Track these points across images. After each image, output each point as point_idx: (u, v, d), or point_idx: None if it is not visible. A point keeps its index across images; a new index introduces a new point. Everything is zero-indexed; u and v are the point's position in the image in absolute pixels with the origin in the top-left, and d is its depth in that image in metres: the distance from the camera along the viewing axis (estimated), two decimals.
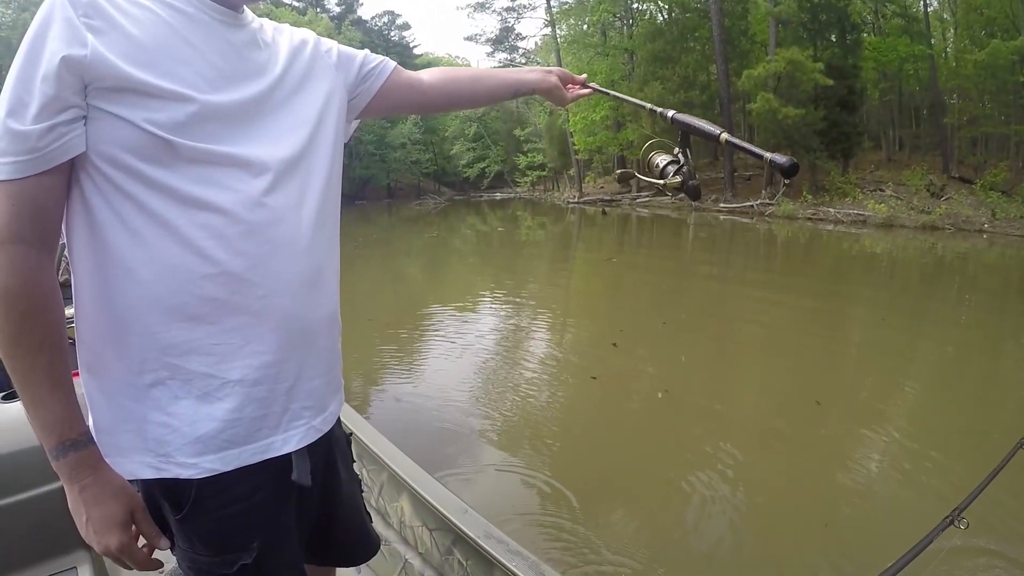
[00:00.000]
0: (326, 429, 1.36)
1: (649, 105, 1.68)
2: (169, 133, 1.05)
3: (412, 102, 1.73)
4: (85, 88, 1.01)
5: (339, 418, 1.62)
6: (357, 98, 1.55)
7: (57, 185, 1.06)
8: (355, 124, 1.63)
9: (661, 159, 1.53)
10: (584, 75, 1.86)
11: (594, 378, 7.43)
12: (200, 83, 1.11)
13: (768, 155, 1.25)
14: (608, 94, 1.87)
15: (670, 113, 1.51)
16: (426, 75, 1.71)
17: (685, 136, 1.48)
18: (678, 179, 1.45)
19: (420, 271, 18.08)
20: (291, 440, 1.26)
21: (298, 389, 1.26)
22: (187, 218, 1.09)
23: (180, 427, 1.15)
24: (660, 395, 6.93)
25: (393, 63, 1.62)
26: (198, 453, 1.15)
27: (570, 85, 1.85)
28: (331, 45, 1.49)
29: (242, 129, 1.17)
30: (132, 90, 1.03)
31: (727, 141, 1.38)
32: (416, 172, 50.67)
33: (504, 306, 11.95)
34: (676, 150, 1.51)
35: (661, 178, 1.49)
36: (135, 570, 1.23)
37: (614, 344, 8.54)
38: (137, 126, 1.03)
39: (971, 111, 29.49)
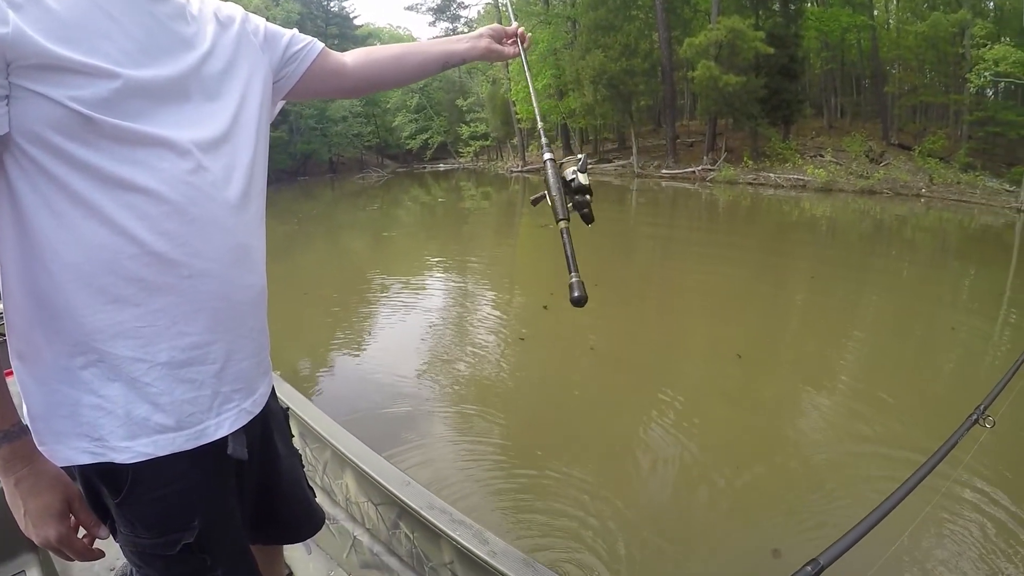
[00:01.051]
0: (256, 412, 1.36)
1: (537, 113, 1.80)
2: (92, 110, 1.01)
3: (336, 87, 1.70)
4: (7, 67, 0.97)
5: (275, 392, 1.61)
6: (282, 80, 1.53)
7: None
8: (280, 104, 1.59)
9: (570, 170, 1.54)
10: (515, 24, 1.80)
11: (522, 339, 7.81)
12: (123, 58, 1.07)
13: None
14: (525, 71, 1.82)
15: (546, 156, 1.58)
16: (349, 58, 1.68)
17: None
18: (576, 213, 1.50)
19: (363, 244, 18.17)
20: (224, 424, 1.24)
21: (227, 371, 1.25)
22: (111, 198, 1.06)
23: (113, 409, 1.13)
24: (591, 348, 7.34)
25: (320, 46, 1.60)
26: (131, 436, 1.14)
27: (506, 40, 1.79)
28: (258, 23, 1.46)
29: (167, 107, 1.14)
30: (55, 67, 0.99)
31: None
32: (358, 145, 50.03)
33: (447, 276, 12.10)
34: (579, 158, 1.57)
35: (569, 186, 1.51)
36: (77, 561, 1.22)
37: (544, 307, 9.02)
38: (61, 104, 0.99)
39: (911, 81, 30.11)
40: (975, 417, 2.18)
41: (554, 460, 4.84)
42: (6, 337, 1.16)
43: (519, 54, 1.79)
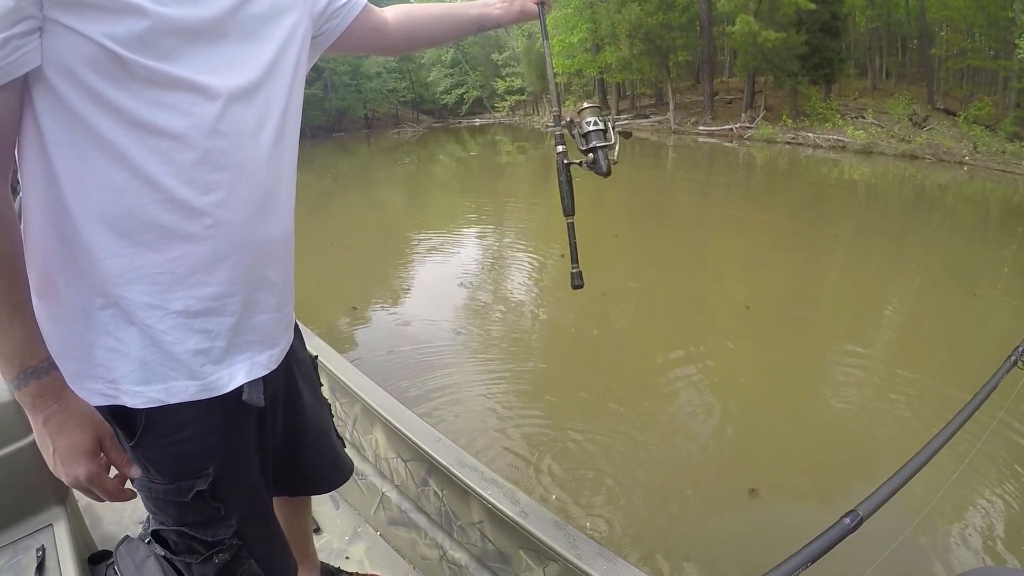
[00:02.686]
0: (274, 367, 1.33)
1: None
2: (125, 48, 0.99)
3: (376, 44, 1.68)
4: None
5: (303, 340, 1.61)
6: (323, 35, 1.51)
7: (10, 102, 1.00)
8: (315, 58, 1.55)
9: (589, 121, 1.60)
10: None
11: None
12: None
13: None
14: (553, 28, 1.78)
15: (558, 148, 1.66)
16: (390, 14, 1.65)
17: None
18: (590, 156, 1.59)
19: (396, 199, 18.04)
20: (238, 375, 1.24)
21: (245, 324, 1.24)
22: (137, 142, 1.05)
23: (128, 352, 1.13)
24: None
25: (364, 1, 1.56)
26: (145, 381, 1.14)
27: None
28: None
29: (202, 48, 1.11)
30: (89, 2, 0.97)
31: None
32: (393, 101, 49.70)
33: (482, 231, 11.98)
34: (606, 116, 1.62)
35: (584, 139, 1.60)
36: (108, 501, 1.21)
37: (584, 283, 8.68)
38: (93, 40, 0.97)
39: (959, 44, 29.07)
40: (1014, 359, 2.14)
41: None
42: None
43: (544, 8, 1.75)
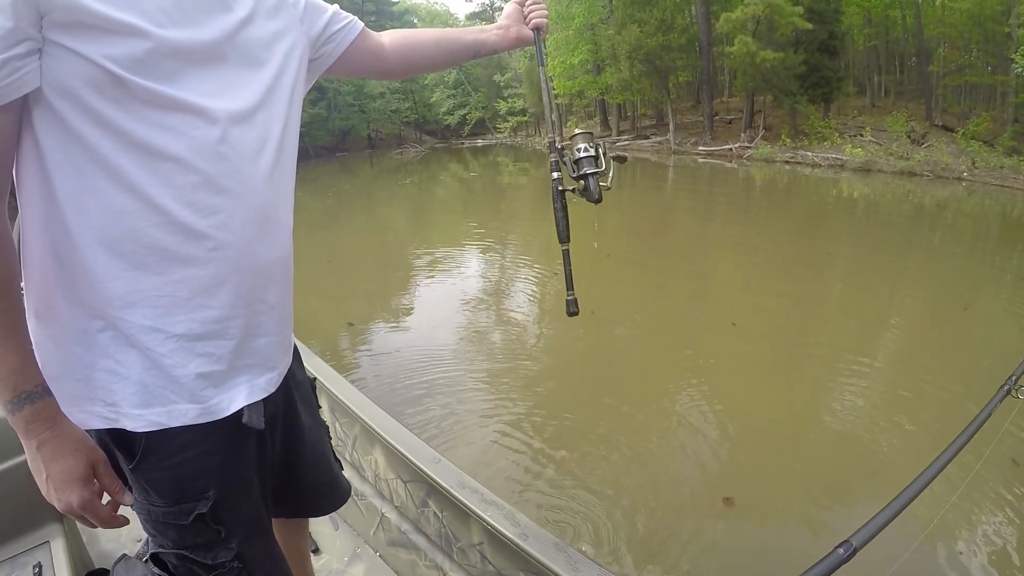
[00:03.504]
0: (272, 390, 1.32)
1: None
2: (125, 70, 1.00)
3: (373, 68, 1.69)
4: (41, 20, 0.95)
5: (301, 362, 1.61)
6: (320, 59, 1.52)
7: (9, 123, 1.00)
8: (312, 81, 1.57)
9: (580, 147, 1.63)
10: None
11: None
12: (160, 16, 1.05)
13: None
14: (548, 56, 1.80)
15: (553, 175, 1.67)
16: (387, 39, 1.67)
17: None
18: (581, 183, 1.62)
19: (397, 219, 18.08)
20: (238, 398, 1.22)
21: (245, 347, 1.23)
22: (138, 164, 1.05)
23: (128, 375, 1.11)
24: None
25: (360, 25, 1.58)
26: (146, 404, 1.13)
27: (525, 8, 1.79)
28: None
29: (202, 71, 1.11)
30: (88, 23, 0.97)
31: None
32: (396, 121, 49.98)
33: (482, 252, 12.00)
34: (598, 142, 1.65)
35: (575, 165, 1.63)
36: (102, 529, 1.20)
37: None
38: (93, 61, 0.98)
39: (957, 60, 29.21)
40: (1007, 388, 2.15)
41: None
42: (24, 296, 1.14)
43: (540, 35, 1.78)
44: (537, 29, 1.77)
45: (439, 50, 1.76)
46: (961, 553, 3.59)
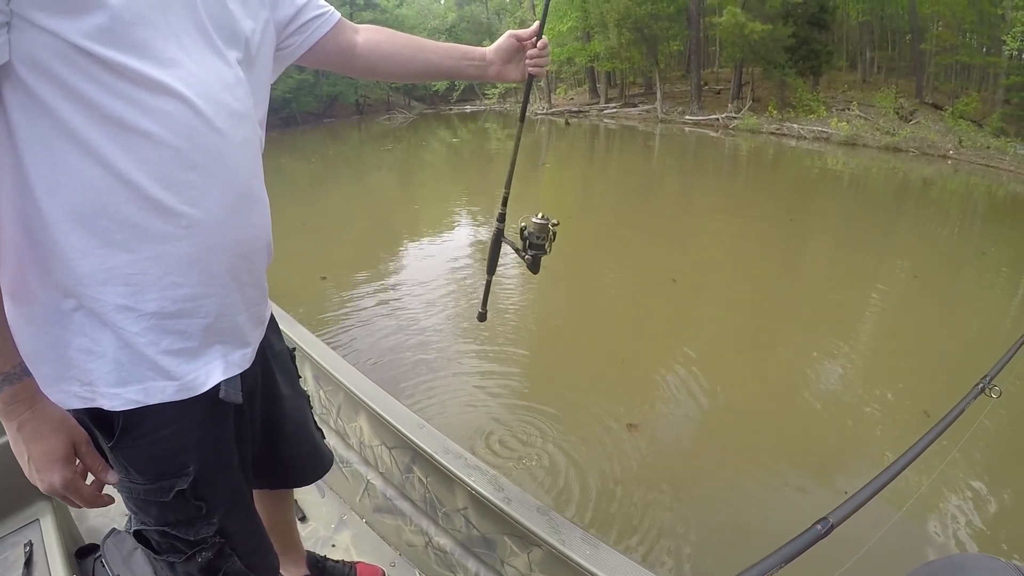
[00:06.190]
0: (247, 366, 1.32)
1: None
2: (93, 42, 0.97)
3: (340, 65, 1.65)
4: None
5: (280, 333, 1.61)
6: (287, 49, 1.48)
7: None
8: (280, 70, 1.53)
9: (538, 235, 1.88)
10: (534, 25, 1.71)
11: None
12: None
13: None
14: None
15: (496, 225, 1.97)
16: (361, 38, 1.62)
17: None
18: (528, 258, 1.90)
19: (381, 185, 17.97)
20: (213, 374, 1.22)
21: (218, 325, 1.24)
22: (110, 138, 1.02)
23: (104, 353, 1.12)
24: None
25: (336, 16, 1.54)
26: (122, 383, 1.13)
27: (524, 42, 1.71)
28: None
29: (172, 43, 1.08)
30: None
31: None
32: (385, 87, 49.19)
33: (468, 222, 11.96)
34: (553, 232, 1.90)
35: (527, 244, 1.89)
36: (85, 508, 1.22)
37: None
38: (60, 35, 0.95)
39: (950, 39, 29.13)
40: (981, 386, 2.22)
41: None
42: None
43: (533, 80, 1.77)
44: (531, 76, 1.74)
45: (410, 68, 1.71)
46: (935, 532, 3.73)
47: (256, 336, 1.38)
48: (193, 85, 1.09)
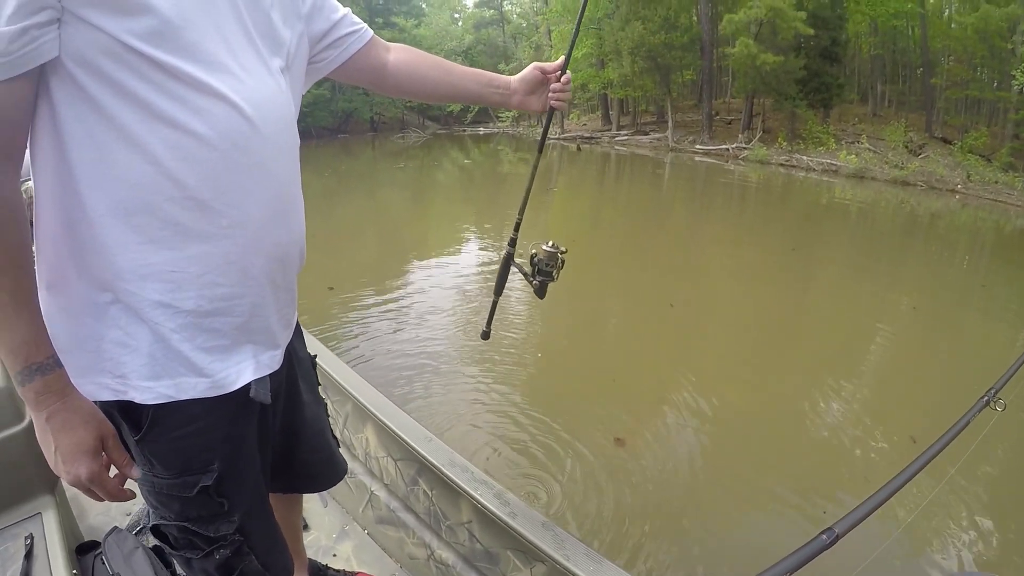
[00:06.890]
0: (276, 367, 1.33)
1: None
2: (143, 43, 0.99)
3: (369, 82, 1.67)
4: None
5: (303, 339, 1.63)
6: (320, 63, 1.50)
7: (26, 92, 0.99)
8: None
9: (548, 262, 1.95)
10: (560, 60, 1.77)
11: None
12: None
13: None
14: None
15: (507, 249, 2.01)
16: (393, 57, 1.64)
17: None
18: (536, 284, 1.96)
19: (390, 202, 18.01)
20: (244, 373, 1.24)
21: (251, 325, 1.25)
22: (159, 137, 1.04)
23: (138, 347, 1.13)
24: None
25: (369, 34, 1.56)
26: (154, 376, 1.14)
27: (549, 75, 1.76)
28: None
29: (222, 48, 1.10)
30: None
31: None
32: (400, 105, 49.23)
33: (476, 242, 11.98)
34: (562, 259, 1.97)
35: (536, 270, 1.96)
36: (106, 501, 1.20)
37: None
38: (111, 34, 0.96)
39: (962, 74, 29.19)
40: (986, 399, 2.21)
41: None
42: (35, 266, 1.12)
43: (553, 113, 1.83)
44: (551, 110, 1.78)
45: (439, 91, 1.74)
46: (938, 545, 3.73)
47: (284, 339, 1.39)
48: (241, 90, 1.11)
